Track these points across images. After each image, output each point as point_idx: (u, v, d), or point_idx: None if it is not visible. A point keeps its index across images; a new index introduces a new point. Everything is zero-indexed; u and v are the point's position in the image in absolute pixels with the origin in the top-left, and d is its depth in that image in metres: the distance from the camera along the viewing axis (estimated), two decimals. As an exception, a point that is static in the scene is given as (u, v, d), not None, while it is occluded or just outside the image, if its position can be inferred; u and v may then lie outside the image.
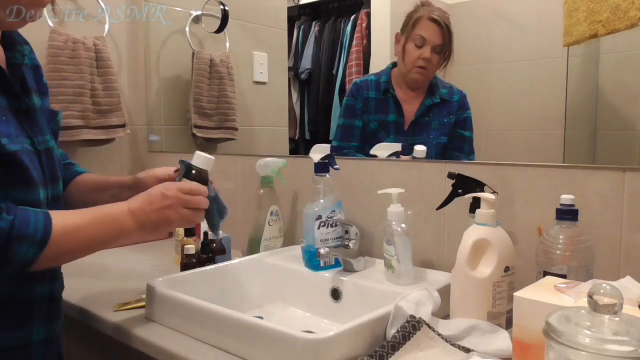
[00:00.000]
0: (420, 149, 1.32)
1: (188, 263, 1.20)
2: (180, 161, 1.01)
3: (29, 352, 0.89)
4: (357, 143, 1.44)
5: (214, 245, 1.25)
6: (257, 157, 1.37)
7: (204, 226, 1.35)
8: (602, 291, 0.54)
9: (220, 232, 1.05)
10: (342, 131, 1.49)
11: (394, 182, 1.21)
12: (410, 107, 1.42)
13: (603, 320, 0.53)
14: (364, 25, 1.56)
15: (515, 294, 0.73)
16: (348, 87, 1.57)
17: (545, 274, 0.87)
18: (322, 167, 1.17)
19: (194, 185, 0.94)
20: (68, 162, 1.15)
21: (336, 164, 1.20)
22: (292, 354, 0.77)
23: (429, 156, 1.31)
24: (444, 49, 1.36)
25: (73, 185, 1.11)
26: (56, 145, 0.96)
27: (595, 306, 0.54)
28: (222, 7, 1.78)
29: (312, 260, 1.15)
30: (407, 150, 1.33)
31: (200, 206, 0.93)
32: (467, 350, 0.80)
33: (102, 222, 0.86)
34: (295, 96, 1.77)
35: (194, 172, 0.98)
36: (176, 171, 1.03)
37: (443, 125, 1.37)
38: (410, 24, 1.38)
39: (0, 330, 0.85)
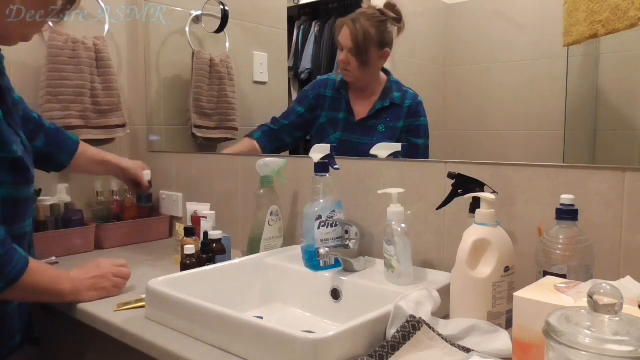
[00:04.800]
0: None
1: (188, 263, 1.20)
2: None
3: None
4: (287, 122, 1.59)
5: (214, 245, 1.25)
6: (257, 157, 1.37)
7: (204, 226, 1.35)
8: (602, 291, 0.54)
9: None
10: (286, 111, 1.62)
11: (394, 182, 1.21)
12: (361, 108, 1.45)
13: (603, 320, 0.53)
14: (363, 25, 1.56)
15: (515, 294, 0.73)
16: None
17: (545, 274, 0.86)
18: (322, 167, 1.17)
19: (123, 260, 1.21)
20: (58, 128, 1.38)
21: (336, 164, 1.20)
22: (292, 354, 0.77)
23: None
24: (358, 51, 1.40)
25: (79, 155, 1.40)
26: (25, 136, 1.11)
27: (595, 306, 0.54)
28: (222, 7, 1.78)
29: (312, 260, 1.15)
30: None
31: (127, 276, 1.18)
32: (467, 350, 0.80)
33: (51, 279, 1.05)
34: (295, 96, 1.77)
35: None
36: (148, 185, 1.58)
37: (390, 130, 1.39)
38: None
39: None
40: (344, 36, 1.43)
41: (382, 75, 1.45)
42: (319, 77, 1.61)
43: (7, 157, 0.99)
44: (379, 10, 1.41)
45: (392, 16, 1.39)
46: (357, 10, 1.44)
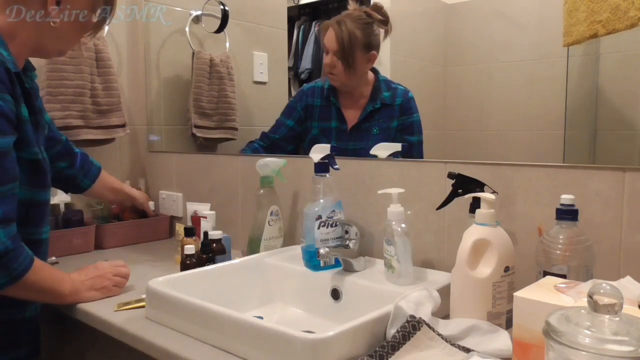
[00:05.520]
0: None
1: (188, 263, 1.20)
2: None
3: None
4: (277, 136, 1.55)
5: (214, 245, 1.25)
6: (257, 157, 1.37)
7: (204, 226, 1.35)
8: (602, 291, 0.54)
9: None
10: (274, 125, 1.58)
11: (394, 182, 1.21)
12: (352, 113, 1.42)
13: (603, 320, 0.53)
14: (363, 25, 1.56)
15: (515, 294, 0.73)
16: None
17: (545, 274, 0.86)
18: (322, 167, 1.17)
19: (121, 261, 1.23)
20: (84, 153, 1.43)
21: (336, 164, 1.20)
22: (292, 354, 0.77)
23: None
24: (344, 54, 1.37)
25: (99, 181, 1.45)
26: (51, 157, 1.18)
27: (595, 306, 0.54)
28: (222, 7, 1.78)
29: (312, 260, 1.15)
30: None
31: (126, 275, 1.19)
32: (467, 350, 0.80)
33: (53, 279, 1.05)
34: (295, 96, 1.77)
35: None
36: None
37: (384, 131, 1.37)
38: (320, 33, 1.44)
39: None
40: (329, 39, 1.40)
41: (370, 75, 1.42)
42: (304, 86, 1.57)
43: (27, 157, 1.01)
44: (365, 12, 1.37)
45: (379, 18, 1.36)
46: (343, 12, 1.40)
